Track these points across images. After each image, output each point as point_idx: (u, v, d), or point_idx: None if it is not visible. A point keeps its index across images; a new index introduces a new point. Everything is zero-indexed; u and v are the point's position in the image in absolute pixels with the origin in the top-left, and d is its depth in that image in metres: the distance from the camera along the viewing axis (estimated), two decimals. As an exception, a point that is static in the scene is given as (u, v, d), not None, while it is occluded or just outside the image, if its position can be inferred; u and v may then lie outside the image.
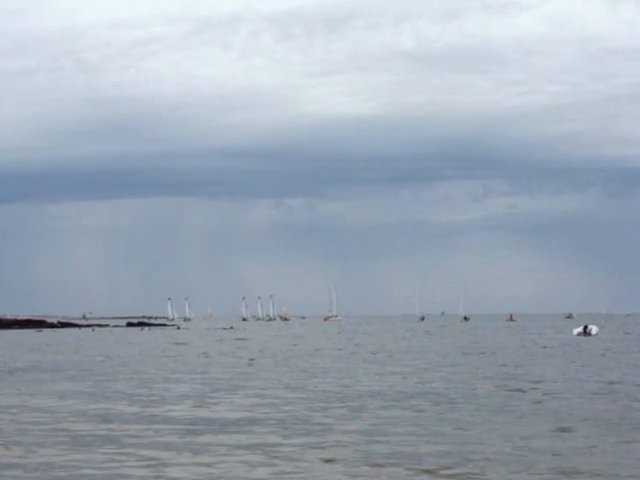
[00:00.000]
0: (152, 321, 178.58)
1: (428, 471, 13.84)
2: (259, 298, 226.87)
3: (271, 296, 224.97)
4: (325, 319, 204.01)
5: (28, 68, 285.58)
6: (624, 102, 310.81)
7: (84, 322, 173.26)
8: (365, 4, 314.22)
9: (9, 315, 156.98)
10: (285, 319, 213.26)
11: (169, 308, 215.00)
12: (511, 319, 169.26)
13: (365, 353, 50.25)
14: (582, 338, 76.56)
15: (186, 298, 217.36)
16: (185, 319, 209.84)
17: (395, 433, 17.68)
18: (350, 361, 42.33)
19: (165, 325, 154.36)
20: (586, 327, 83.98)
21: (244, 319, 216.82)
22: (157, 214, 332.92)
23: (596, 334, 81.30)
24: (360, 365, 39.06)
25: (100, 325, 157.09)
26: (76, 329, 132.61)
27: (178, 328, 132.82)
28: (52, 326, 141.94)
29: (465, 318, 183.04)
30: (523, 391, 26.28)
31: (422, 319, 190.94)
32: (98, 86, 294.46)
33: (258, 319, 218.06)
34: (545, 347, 55.28)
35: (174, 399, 24.81)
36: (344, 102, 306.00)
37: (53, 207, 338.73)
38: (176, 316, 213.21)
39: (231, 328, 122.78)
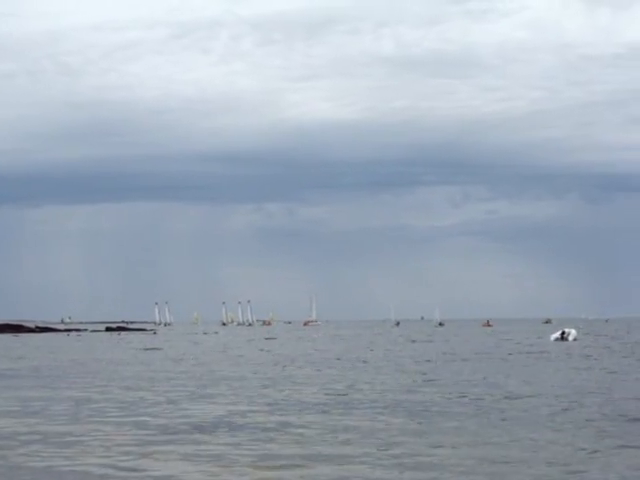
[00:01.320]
0: (131, 326, 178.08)
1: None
2: (239, 303, 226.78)
3: (249, 301, 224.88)
4: (305, 324, 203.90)
5: (9, 71, 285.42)
6: (602, 109, 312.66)
7: (63, 327, 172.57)
8: (345, 9, 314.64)
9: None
10: (268, 324, 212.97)
11: (156, 313, 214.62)
12: (488, 325, 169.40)
13: (284, 361, 47.95)
14: (557, 343, 76.63)
15: (166, 302, 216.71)
16: (165, 324, 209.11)
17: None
18: (261, 369, 41.26)
19: (144, 330, 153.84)
20: (563, 332, 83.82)
21: (224, 324, 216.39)
22: (138, 218, 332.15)
23: (574, 339, 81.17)
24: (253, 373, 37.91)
25: (78, 330, 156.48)
26: (52, 334, 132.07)
27: (155, 333, 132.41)
28: (30, 331, 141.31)
29: (440, 324, 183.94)
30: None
31: (397, 324, 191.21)
32: (79, 89, 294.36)
33: (238, 324, 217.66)
34: (510, 354, 55.04)
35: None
36: (324, 107, 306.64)
37: (34, 211, 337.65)
38: (163, 320, 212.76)
39: (204, 334, 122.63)
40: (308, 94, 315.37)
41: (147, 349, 68.95)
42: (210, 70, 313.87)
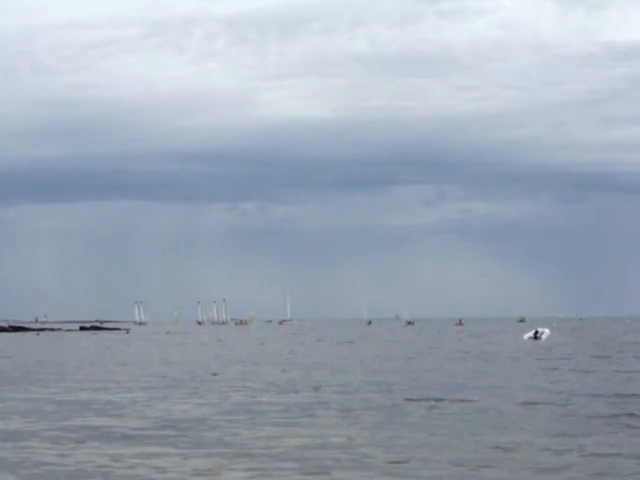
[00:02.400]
0: (107, 325, 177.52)
1: None
2: (214, 302, 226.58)
3: (224, 300, 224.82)
4: (280, 323, 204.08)
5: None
6: (576, 108, 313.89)
7: (36, 326, 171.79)
8: (320, 8, 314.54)
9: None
10: (244, 323, 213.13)
11: (136, 311, 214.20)
12: (460, 324, 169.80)
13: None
14: (528, 342, 77.10)
15: (141, 302, 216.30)
16: (139, 323, 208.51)
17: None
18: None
19: (118, 329, 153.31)
20: (537, 332, 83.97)
21: (199, 323, 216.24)
22: (112, 217, 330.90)
23: (547, 338, 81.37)
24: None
25: (52, 329, 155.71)
26: (23, 333, 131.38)
27: (127, 332, 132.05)
28: (3, 330, 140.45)
29: (409, 322, 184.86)
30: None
31: (369, 323, 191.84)
32: (53, 87, 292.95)
33: (213, 323, 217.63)
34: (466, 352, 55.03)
35: None
36: (299, 106, 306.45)
37: (7, 210, 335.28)
38: (140, 320, 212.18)
39: (167, 333, 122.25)
40: (282, 93, 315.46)
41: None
42: (184, 68, 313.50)
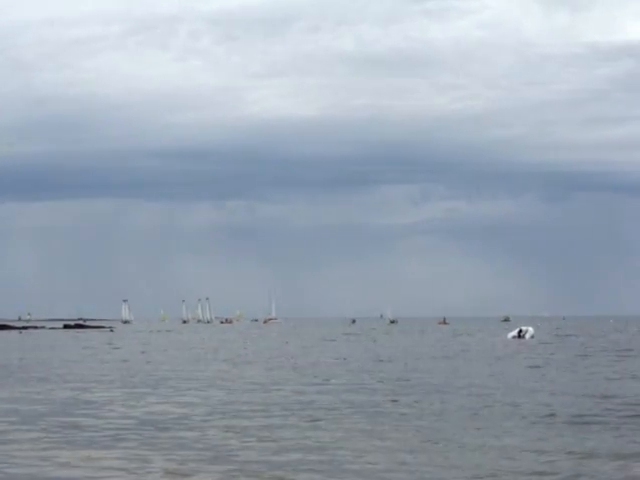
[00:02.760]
0: (91, 323, 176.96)
1: None
2: (199, 300, 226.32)
3: (207, 299, 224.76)
4: (265, 322, 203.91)
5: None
6: (560, 108, 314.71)
7: (20, 324, 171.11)
8: (305, 7, 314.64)
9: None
10: (229, 322, 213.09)
11: (123, 310, 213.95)
12: (444, 322, 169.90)
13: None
14: (512, 340, 77.35)
15: (125, 300, 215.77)
16: (124, 321, 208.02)
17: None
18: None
19: (102, 327, 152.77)
20: (521, 330, 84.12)
21: (184, 321, 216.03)
22: (97, 215, 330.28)
23: (531, 337, 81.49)
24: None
25: (36, 327, 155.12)
26: (6, 332, 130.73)
27: (111, 331, 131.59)
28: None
29: (392, 321, 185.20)
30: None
31: (353, 322, 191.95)
32: (34, 85, 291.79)
33: (199, 321, 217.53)
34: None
35: None
36: (285, 104, 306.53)
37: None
38: (126, 318, 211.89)
39: (150, 332, 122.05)
40: (268, 91, 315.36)
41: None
42: (169, 66, 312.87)
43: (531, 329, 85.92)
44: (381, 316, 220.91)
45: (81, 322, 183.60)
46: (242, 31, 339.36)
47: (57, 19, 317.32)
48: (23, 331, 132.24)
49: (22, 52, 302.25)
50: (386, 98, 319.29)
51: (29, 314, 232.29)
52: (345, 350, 58.99)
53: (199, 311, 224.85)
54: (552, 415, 21.37)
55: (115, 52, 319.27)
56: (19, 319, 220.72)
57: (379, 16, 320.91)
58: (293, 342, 77.57)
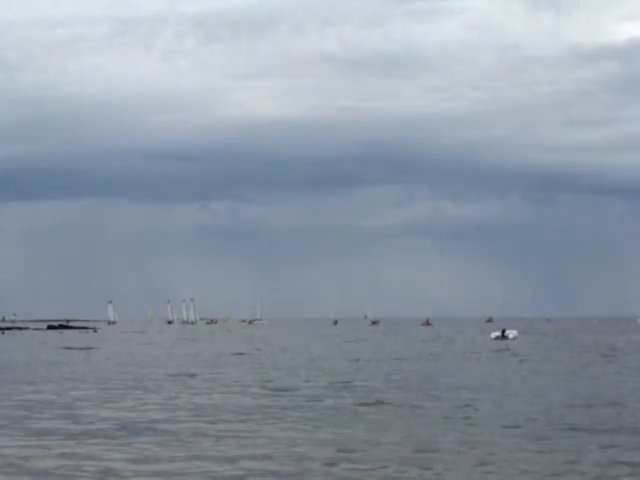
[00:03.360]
0: (75, 324, 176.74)
1: None
2: (184, 301, 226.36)
3: (192, 299, 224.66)
4: (249, 322, 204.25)
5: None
6: (544, 109, 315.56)
7: (3, 324, 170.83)
8: (290, 8, 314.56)
9: None
10: (215, 322, 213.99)
11: (109, 310, 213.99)
12: (427, 323, 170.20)
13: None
14: (495, 341, 77.97)
15: (110, 301, 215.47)
16: (109, 322, 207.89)
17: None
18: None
19: (86, 328, 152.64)
20: (504, 331, 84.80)
21: (170, 322, 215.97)
22: (80, 216, 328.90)
23: (514, 338, 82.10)
24: None
25: (19, 328, 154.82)
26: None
27: (95, 331, 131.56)
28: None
29: (373, 322, 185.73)
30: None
31: (335, 323, 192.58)
32: (18, 85, 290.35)
33: (183, 322, 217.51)
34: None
35: None
36: (269, 105, 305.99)
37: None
38: (112, 319, 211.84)
39: (133, 332, 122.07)
40: (252, 92, 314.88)
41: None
42: (153, 67, 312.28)
43: (514, 330, 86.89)
44: (365, 317, 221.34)
45: (64, 323, 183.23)
46: (226, 32, 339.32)
47: (42, 20, 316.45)
48: (6, 332, 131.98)
49: (6, 53, 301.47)
50: (370, 99, 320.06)
51: (14, 314, 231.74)
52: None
53: (184, 312, 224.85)
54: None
55: (99, 53, 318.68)
56: (3, 319, 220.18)
57: (364, 17, 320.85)
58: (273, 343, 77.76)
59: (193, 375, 36.24)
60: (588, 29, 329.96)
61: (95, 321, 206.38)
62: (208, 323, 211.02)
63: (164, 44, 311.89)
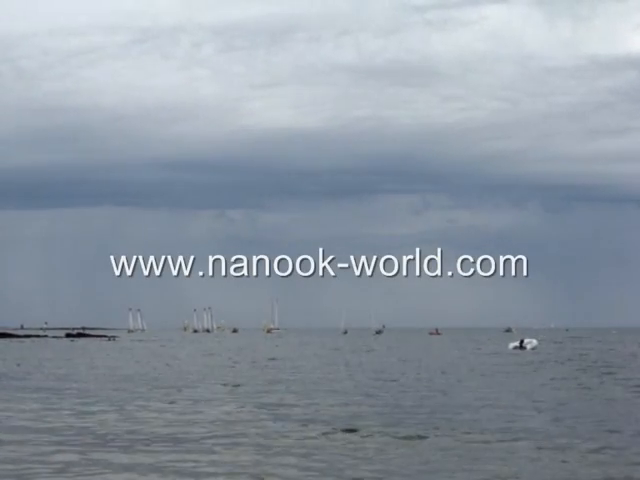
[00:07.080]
0: (93, 332, 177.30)
1: None
2: (205, 310, 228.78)
3: (209, 308, 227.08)
4: (267, 331, 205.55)
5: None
6: (562, 120, 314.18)
7: (22, 332, 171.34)
8: (306, 17, 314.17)
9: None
10: (235, 331, 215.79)
11: (130, 319, 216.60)
12: (436, 333, 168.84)
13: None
14: (513, 351, 77.41)
15: (138, 309, 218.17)
16: (129, 330, 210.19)
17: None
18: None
19: (105, 336, 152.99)
20: (522, 341, 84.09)
21: (195, 331, 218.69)
22: (97, 225, 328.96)
23: (533, 348, 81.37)
24: None
25: (38, 336, 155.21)
26: (7, 340, 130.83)
27: (110, 340, 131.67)
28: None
29: (377, 332, 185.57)
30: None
31: (345, 332, 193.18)
32: (36, 95, 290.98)
33: (207, 331, 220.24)
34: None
35: None
36: (286, 115, 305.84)
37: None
38: (136, 327, 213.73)
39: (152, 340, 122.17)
40: (270, 101, 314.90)
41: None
42: (170, 77, 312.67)
43: (534, 341, 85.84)
44: (383, 326, 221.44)
45: (82, 331, 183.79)
46: (244, 41, 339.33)
47: (60, 29, 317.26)
48: (26, 340, 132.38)
49: (24, 62, 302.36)
50: (387, 109, 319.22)
51: (45, 323, 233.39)
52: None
53: (205, 320, 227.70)
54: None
55: (117, 62, 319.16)
56: (21, 327, 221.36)
57: (380, 27, 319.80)
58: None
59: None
60: (606, 39, 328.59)
61: (116, 329, 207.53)
62: (233, 332, 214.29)
63: (182, 53, 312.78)
